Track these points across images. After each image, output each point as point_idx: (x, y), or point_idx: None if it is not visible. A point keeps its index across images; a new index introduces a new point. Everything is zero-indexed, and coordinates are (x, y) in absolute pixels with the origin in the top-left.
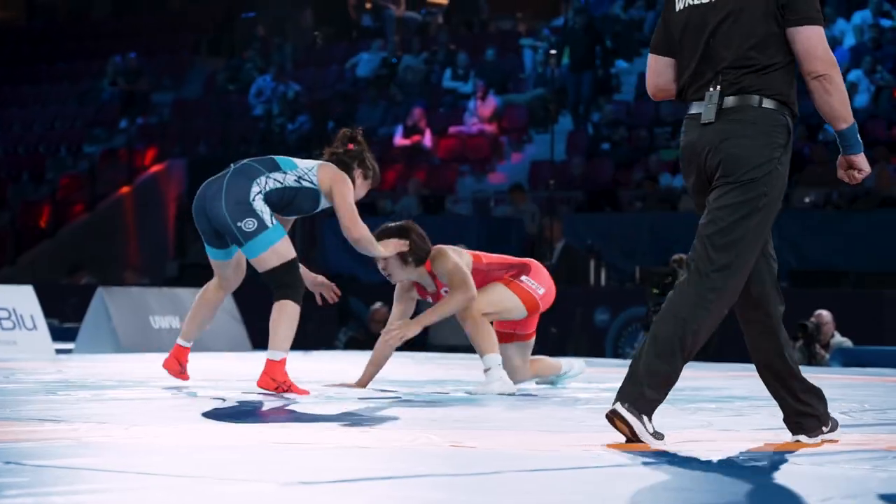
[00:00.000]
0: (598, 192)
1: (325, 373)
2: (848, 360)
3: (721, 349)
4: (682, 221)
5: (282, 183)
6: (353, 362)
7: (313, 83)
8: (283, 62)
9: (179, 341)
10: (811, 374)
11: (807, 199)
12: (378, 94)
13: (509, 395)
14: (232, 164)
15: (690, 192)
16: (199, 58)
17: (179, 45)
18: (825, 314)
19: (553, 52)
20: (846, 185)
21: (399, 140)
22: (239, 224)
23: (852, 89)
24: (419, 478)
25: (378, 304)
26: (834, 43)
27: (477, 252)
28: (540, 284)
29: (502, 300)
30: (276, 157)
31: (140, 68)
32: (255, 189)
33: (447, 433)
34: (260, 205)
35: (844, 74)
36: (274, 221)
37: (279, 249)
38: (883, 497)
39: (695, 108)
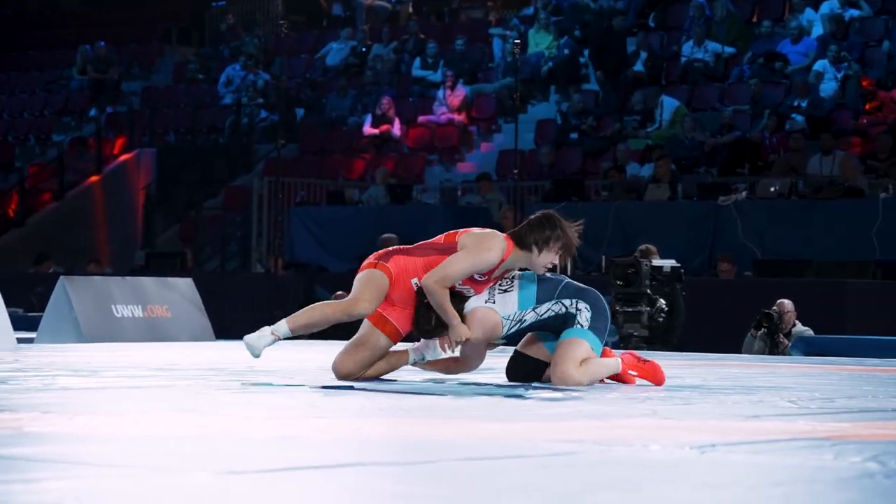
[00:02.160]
0: (565, 182)
1: (288, 361)
2: (809, 349)
3: (683, 340)
4: (647, 211)
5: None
6: (318, 351)
7: (283, 72)
8: (253, 51)
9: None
10: (772, 364)
11: (772, 189)
12: (347, 83)
13: None
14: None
15: None
16: (168, 46)
17: (149, 34)
18: (787, 303)
19: (517, 41)
20: (811, 174)
21: (368, 129)
22: None
23: (818, 79)
24: (352, 466)
25: (341, 292)
26: (802, 33)
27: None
28: None
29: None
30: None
31: (109, 57)
32: None
33: (392, 422)
34: None
35: (811, 64)
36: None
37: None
38: (809, 484)
39: None
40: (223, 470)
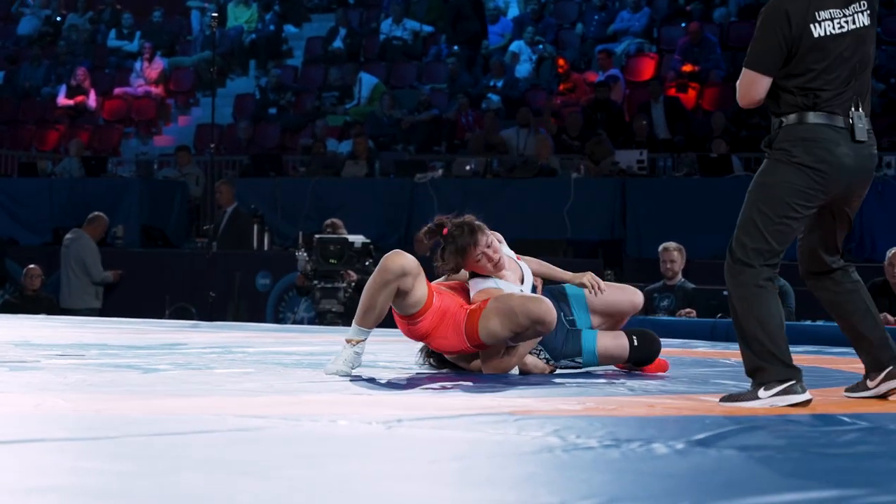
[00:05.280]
0: (263, 157)
1: None
2: None
3: None
4: (344, 187)
5: None
6: (4, 325)
7: None
8: None
9: None
10: None
11: (468, 168)
12: (41, 53)
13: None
14: None
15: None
16: None
17: None
18: None
19: (215, 15)
20: (505, 153)
21: (62, 100)
22: None
23: (514, 60)
24: (33, 442)
25: (33, 266)
26: (498, 14)
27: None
28: None
29: None
30: None
31: None
32: None
33: (76, 398)
34: None
35: (507, 45)
36: None
37: None
38: (490, 458)
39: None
40: None
